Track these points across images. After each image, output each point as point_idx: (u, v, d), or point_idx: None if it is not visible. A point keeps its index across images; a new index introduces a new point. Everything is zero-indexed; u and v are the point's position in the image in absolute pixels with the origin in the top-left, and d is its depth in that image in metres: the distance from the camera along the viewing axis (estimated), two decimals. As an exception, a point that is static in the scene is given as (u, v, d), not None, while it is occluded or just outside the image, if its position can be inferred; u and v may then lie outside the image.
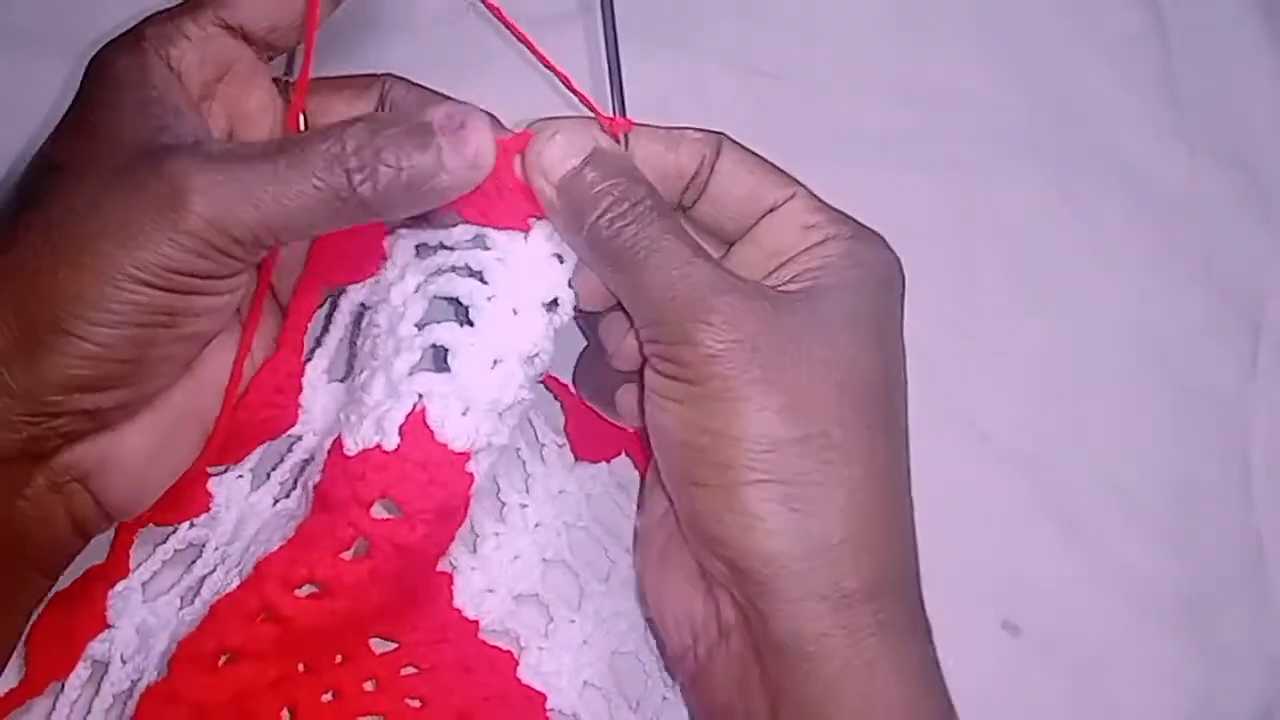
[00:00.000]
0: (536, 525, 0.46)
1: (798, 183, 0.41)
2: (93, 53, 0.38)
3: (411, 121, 0.37)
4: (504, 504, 0.45)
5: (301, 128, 0.41)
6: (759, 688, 0.37)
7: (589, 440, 0.46)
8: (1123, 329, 0.53)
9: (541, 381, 0.46)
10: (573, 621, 0.45)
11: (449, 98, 0.42)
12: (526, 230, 0.39)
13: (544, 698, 0.43)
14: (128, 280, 0.34)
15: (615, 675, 0.45)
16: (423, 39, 0.52)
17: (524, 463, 0.46)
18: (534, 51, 0.42)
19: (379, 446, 0.38)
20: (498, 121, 0.40)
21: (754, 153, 0.41)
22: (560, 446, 0.47)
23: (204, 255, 0.35)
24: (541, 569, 0.45)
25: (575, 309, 0.40)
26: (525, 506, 0.46)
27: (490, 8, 0.41)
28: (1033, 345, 0.52)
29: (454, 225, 0.40)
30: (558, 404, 0.47)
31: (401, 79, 0.42)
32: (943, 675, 0.38)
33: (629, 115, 0.40)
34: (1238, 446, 0.52)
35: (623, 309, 0.39)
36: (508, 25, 0.41)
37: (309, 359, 0.44)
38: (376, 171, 0.35)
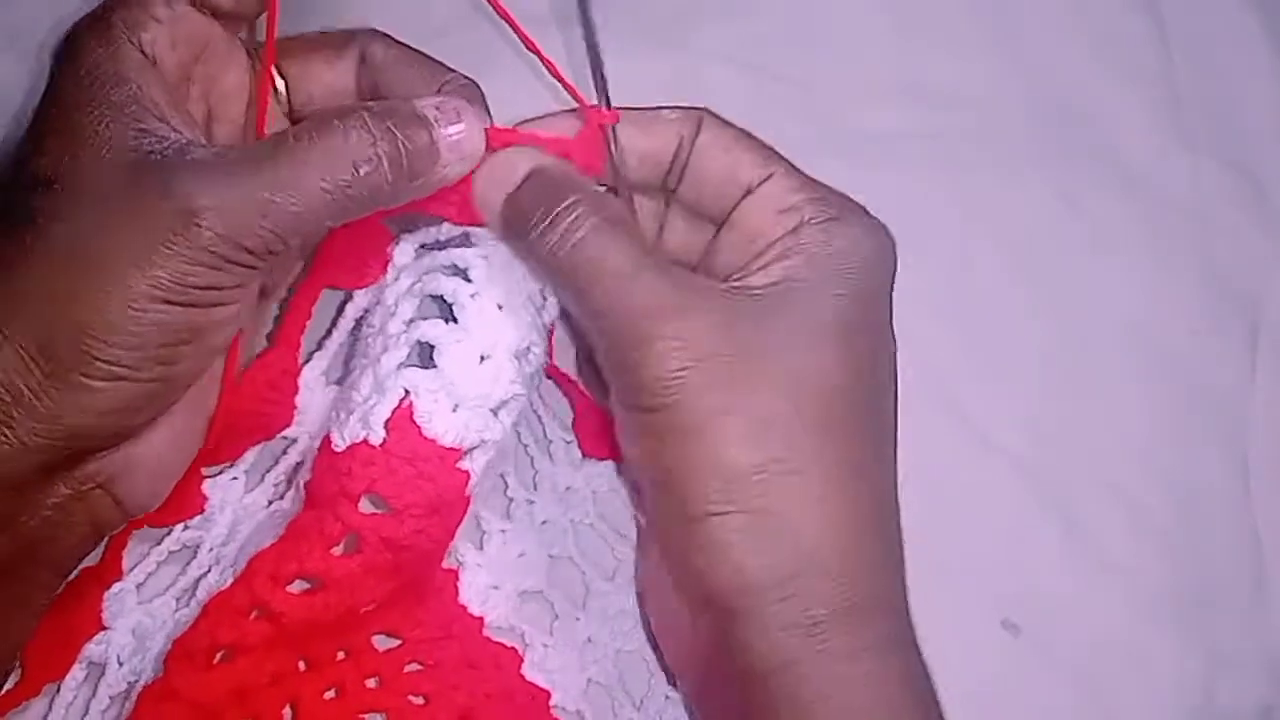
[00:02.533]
0: (543, 522, 0.45)
1: (781, 160, 0.39)
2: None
3: (406, 111, 0.37)
4: (511, 500, 0.45)
5: (280, 90, 0.41)
6: (740, 714, 0.37)
7: (597, 437, 0.46)
8: (1123, 329, 0.53)
9: (550, 377, 0.46)
10: (578, 619, 0.45)
11: (429, 57, 0.41)
12: None
13: (548, 695, 0.43)
14: (147, 300, 0.34)
15: (620, 673, 0.45)
16: (431, 42, 0.52)
17: (532, 459, 0.46)
18: (524, 40, 0.42)
19: (365, 441, 0.38)
20: (484, 99, 0.41)
21: (738, 129, 0.40)
22: (568, 443, 0.47)
23: (218, 268, 0.35)
24: (547, 566, 0.45)
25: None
26: (532, 503, 0.46)
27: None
28: (1033, 345, 0.52)
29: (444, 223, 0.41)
30: (566, 400, 0.47)
31: (379, 34, 0.42)
32: (931, 686, 0.37)
33: (618, 110, 0.40)
34: (1237, 446, 0.52)
35: None
36: (503, 15, 0.41)
37: (308, 360, 0.44)
38: (382, 160, 0.35)
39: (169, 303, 0.34)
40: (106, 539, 0.42)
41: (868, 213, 0.39)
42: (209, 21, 0.40)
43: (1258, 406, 0.53)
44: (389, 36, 0.42)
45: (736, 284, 0.37)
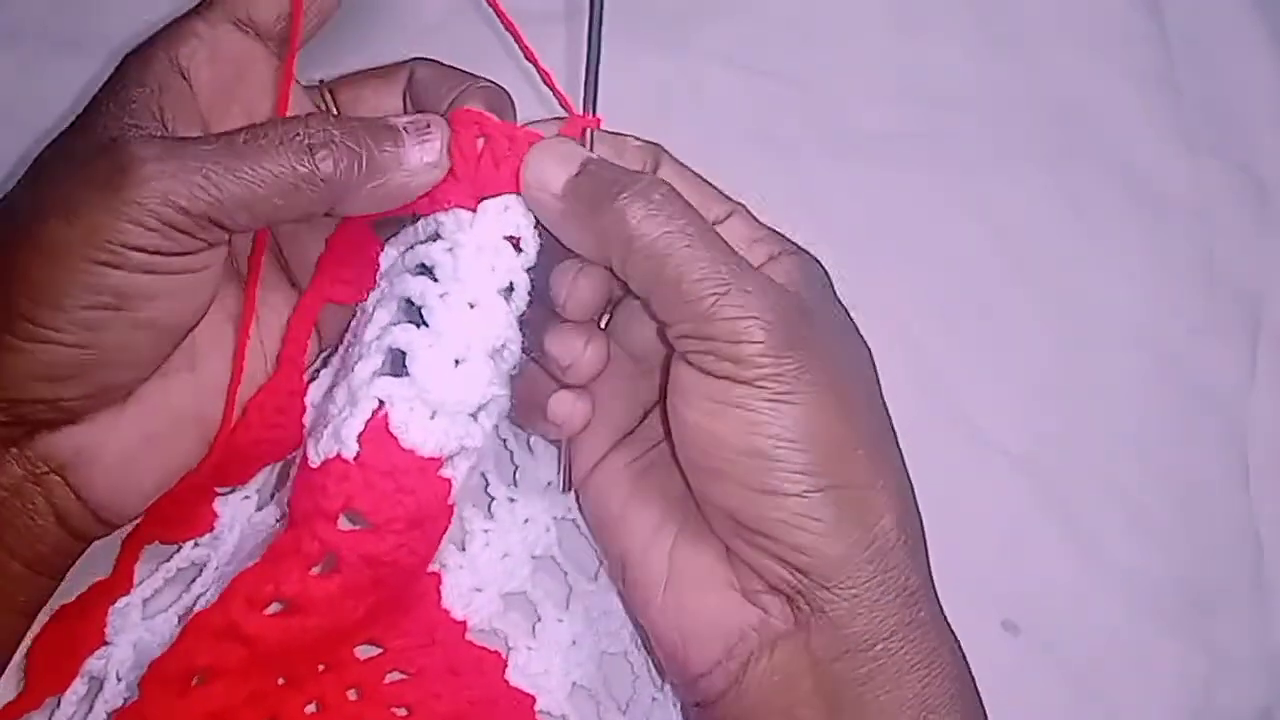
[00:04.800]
0: (525, 520, 0.45)
1: (734, 201, 0.41)
2: (103, 54, 0.39)
3: (377, 120, 0.37)
4: (493, 499, 0.45)
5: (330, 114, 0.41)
6: (812, 695, 0.37)
7: None
8: (1123, 329, 0.53)
9: None
10: (561, 621, 0.44)
11: (464, 72, 0.41)
12: (473, 209, 0.38)
13: (532, 700, 0.43)
14: (74, 258, 0.34)
15: (604, 676, 0.44)
16: (424, 40, 0.52)
17: (511, 454, 0.46)
18: (520, 44, 0.42)
19: (339, 456, 0.37)
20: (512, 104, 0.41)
21: (690, 169, 0.41)
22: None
23: (148, 227, 0.34)
24: (531, 567, 0.45)
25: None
26: (514, 501, 0.45)
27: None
28: (1033, 345, 0.52)
29: (416, 222, 0.40)
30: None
31: (428, 61, 0.42)
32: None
33: (613, 119, 0.40)
34: (1237, 446, 0.52)
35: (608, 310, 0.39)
36: (500, 16, 0.41)
37: (313, 379, 0.43)
38: (337, 149, 0.35)
39: (94, 260, 0.34)
40: (117, 552, 0.42)
41: (805, 250, 0.40)
42: (251, 41, 0.40)
43: (1258, 406, 0.53)
44: (435, 61, 0.42)
45: None
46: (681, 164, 0.41)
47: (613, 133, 0.41)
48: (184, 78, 0.38)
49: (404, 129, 0.37)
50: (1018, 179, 0.54)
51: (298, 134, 0.35)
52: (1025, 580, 0.49)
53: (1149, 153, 0.55)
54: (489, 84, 0.41)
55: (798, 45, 0.55)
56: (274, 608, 0.37)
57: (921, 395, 0.50)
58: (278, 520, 0.44)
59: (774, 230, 0.40)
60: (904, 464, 0.39)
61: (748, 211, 0.41)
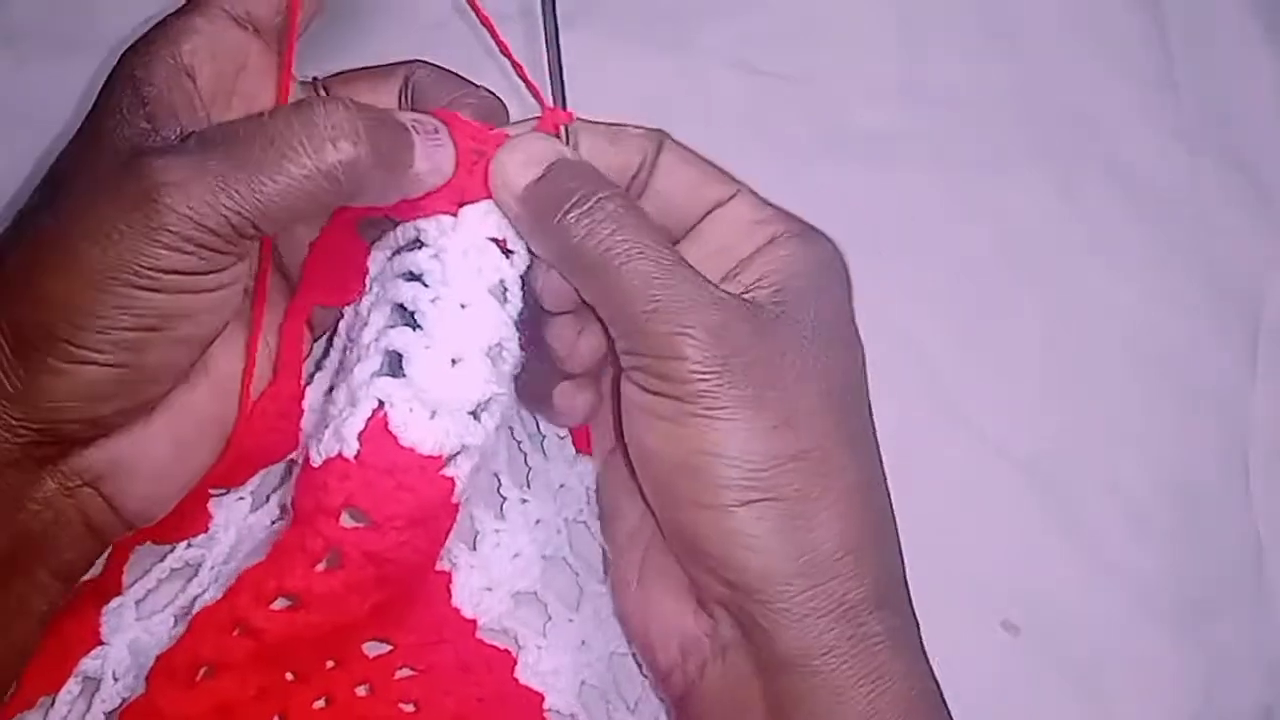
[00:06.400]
0: (537, 521, 0.45)
1: (740, 182, 0.40)
2: (103, 54, 0.38)
3: (386, 113, 0.37)
4: (504, 499, 0.45)
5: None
6: (759, 704, 0.37)
7: (590, 433, 0.46)
8: (1123, 329, 0.53)
9: None
10: (571, 621, 0.44)
11: (470, 82, 0.41)
12: (455, 213, 0.38)
13: (541, 698, 0.43)
14: (112, 283, 0.34)
15: (613, 676, 0.45)
16: (424, 39, 0.52)
17: (525, 455, 0.46)
18: (496, 40, 0.41)
19: (340, 455, 0.37)
20: (506, 111, 0.41)
21: (694, 152, 0.40)
22: (561, 439, 0.46)
23: (184, 251, 0.34)
24: (541, 567, 0.45)
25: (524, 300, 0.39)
26: (526, 502, 0.45)
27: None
28: (1033, 345, 0.52)
29: (397, 227, 0.40)
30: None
31: (427, 64, 0.42)
32: (935, 676, 0.38)
33: (613, 119, 0.40)
34: (1238, 446, 0.52)
35: (591, 313, 0.38)
36: (478, 13, 0.41)
37: (309, 382, 0.44)
38: (358, 140, 0.35)
39: (134, 286, 0.34)
40: (108, 550, 0.42)
41: (818, 228, 0.40)
42: (249, 36, 0.40)
43: (1258, 406, 0.53)
44: (433, 64, 0.42)
45: (741, 295, 0.37)
46: (685, 149, 0.40)
47: (614, 123, 0.40)
48: (188, 75, 0.38)
49: (413, 128, 0.37)
50: (1018, 179, 0.54)
51: (317, 124, 0.34)
52: (1025, 580, 0.49)
53: (1149, 153, 0.56)
54: (484, 93, 0.41)
55: (798, 45, 0.55)
56: (280, 603, 0.38)
57: (920, 395, 0.50)
58: (274, 521, 0.44)
59: (782, 210, 0.39)
60: (873, 470, 0.38)
61: (750, 191, 0.40)
